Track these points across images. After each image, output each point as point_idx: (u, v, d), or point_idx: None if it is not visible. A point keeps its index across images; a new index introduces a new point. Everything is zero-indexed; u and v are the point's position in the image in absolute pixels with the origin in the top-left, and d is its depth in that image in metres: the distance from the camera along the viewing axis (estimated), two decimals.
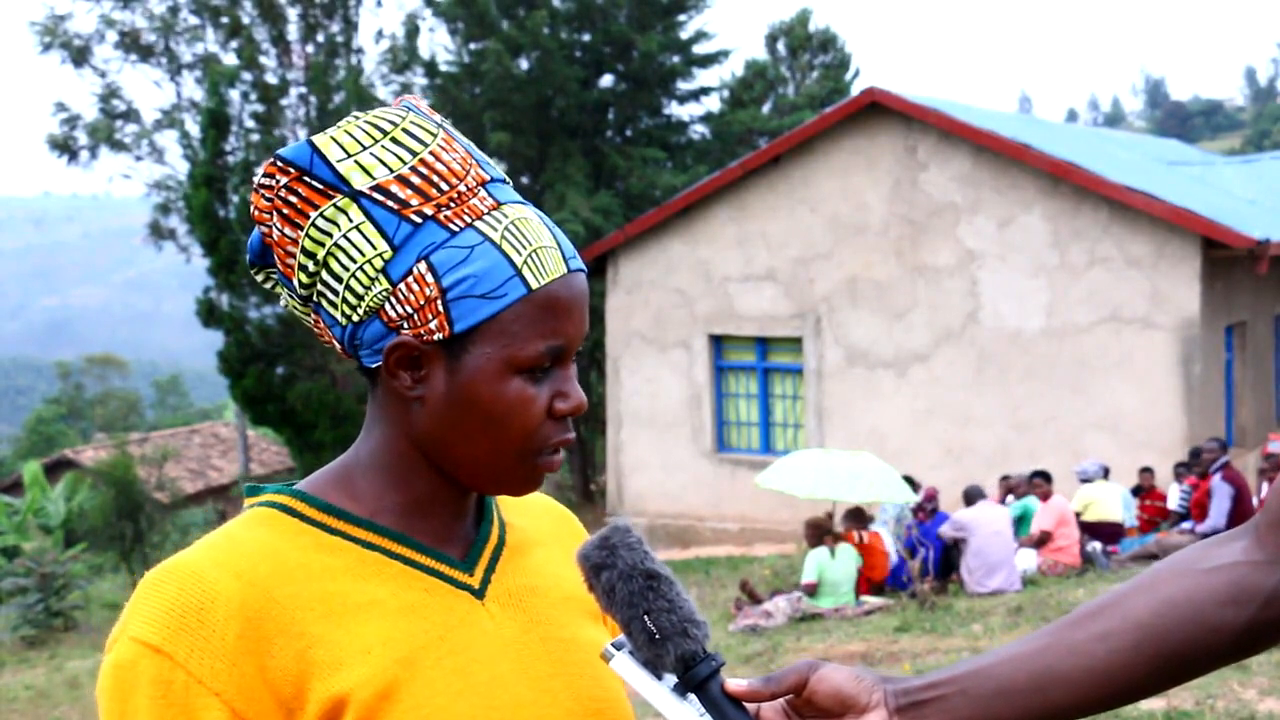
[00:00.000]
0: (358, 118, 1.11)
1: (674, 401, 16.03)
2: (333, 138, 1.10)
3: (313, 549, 1.09)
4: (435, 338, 1.07)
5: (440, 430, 1.10)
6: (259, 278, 1.18)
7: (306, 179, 1.08)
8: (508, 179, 1.15)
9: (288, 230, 1.09)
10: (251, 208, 1.13)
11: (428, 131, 1.10)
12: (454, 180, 1.09)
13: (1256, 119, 75.74)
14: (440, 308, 1.06)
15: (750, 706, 1.07)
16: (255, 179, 1.12)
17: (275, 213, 1.10)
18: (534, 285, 1.07)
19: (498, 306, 1.06)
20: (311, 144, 1.09)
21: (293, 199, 1.09)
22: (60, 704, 9.75)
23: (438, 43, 46.58)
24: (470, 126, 21.87)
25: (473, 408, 1.08)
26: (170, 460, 26.43)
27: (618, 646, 1.07)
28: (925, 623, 8.44)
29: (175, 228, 25.92)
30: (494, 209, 1.09)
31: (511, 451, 1.10)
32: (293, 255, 1.10)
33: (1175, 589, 1.07)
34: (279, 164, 1.09)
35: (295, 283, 1.12)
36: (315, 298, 1.11)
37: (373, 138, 1.09)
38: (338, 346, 1.13)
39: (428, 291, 1.06)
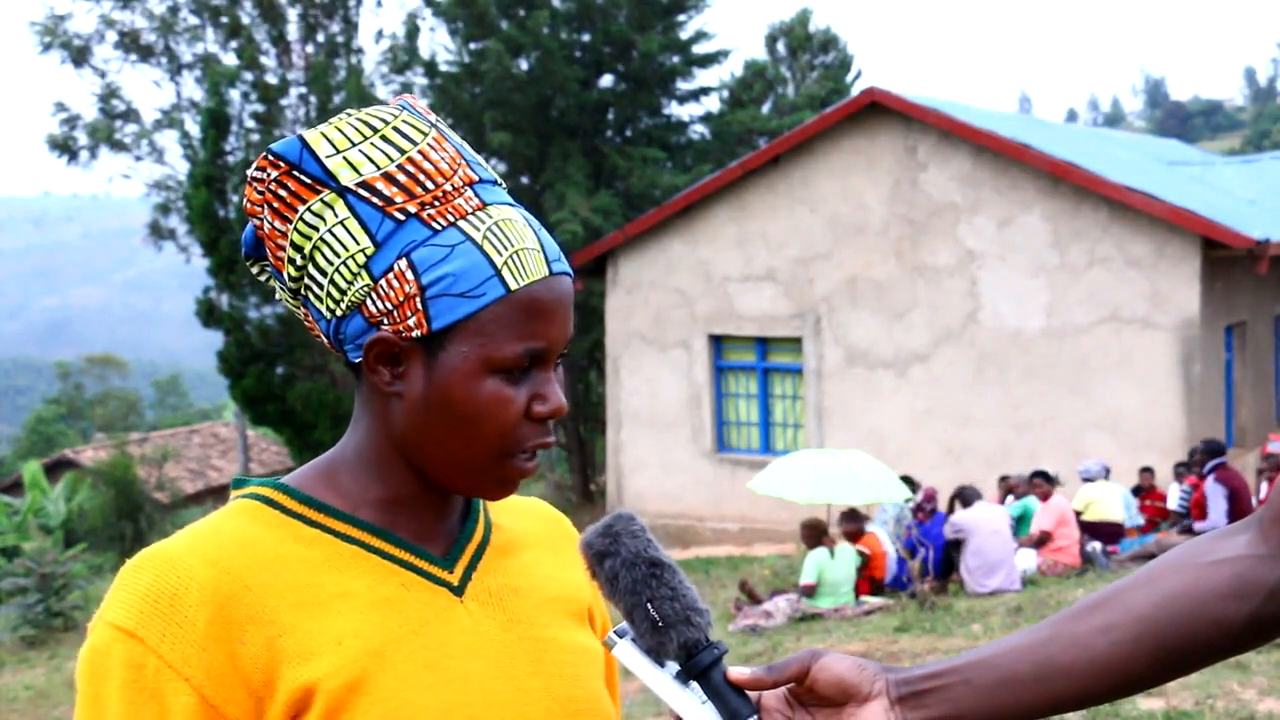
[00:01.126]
0: (350, 114, 1.12)
1: (674, 401, 16.03)
2: (323, 133, 1.10)
3: (291, 540, 1.10)
4: (414, 335, 1.07)
5: (417, 427, 1.10)
6: (254, 270, 1.19)
7: (296, 173, 1.09)
8: (500, 181, 1.15)
9: (277, 223, 1.11)
10: (244, 200, 1.14)
11: (418, 130, 1.11)
12: (439, 179, 1.09)
13: (1256, 119, 75.74)
14: (419, 305, 1.07)
15: (752, 695, 1.07)
16: (248, 172, 1.13)
17: (266, 205, 1.11)
18: (513, 286, 1.07)
19: (475, 306, 1.06)
20: (302, 139, 1.10)
21: (282, 193, 1.10)
22: (60, 704, 9.75)
23: (438, 43, 46.55)
24: (470, 126, 21.88)
25: (448, 406, 1.08)
26: (170, 460, 26.45)
27: (620, 634, 1.07)
28: (925, 623, 8.44)
29: (175, 228, 25.92)
30: (479, 209, 1.09)
31: (486, 452, 1.10)
32: (282, 248, 1.11)
33: (1177, 582, 1.07)
34: (270, 158, 1.10)
35: (285, 275, 1.13)
36: (303, 291, 1.12)
37: (362, 134, 1.10)
38: (324, 339, 1.15)
39: (407, 288, 1.07)
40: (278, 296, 1.19)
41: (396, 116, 1.11)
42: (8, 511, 22.63)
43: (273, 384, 20.80)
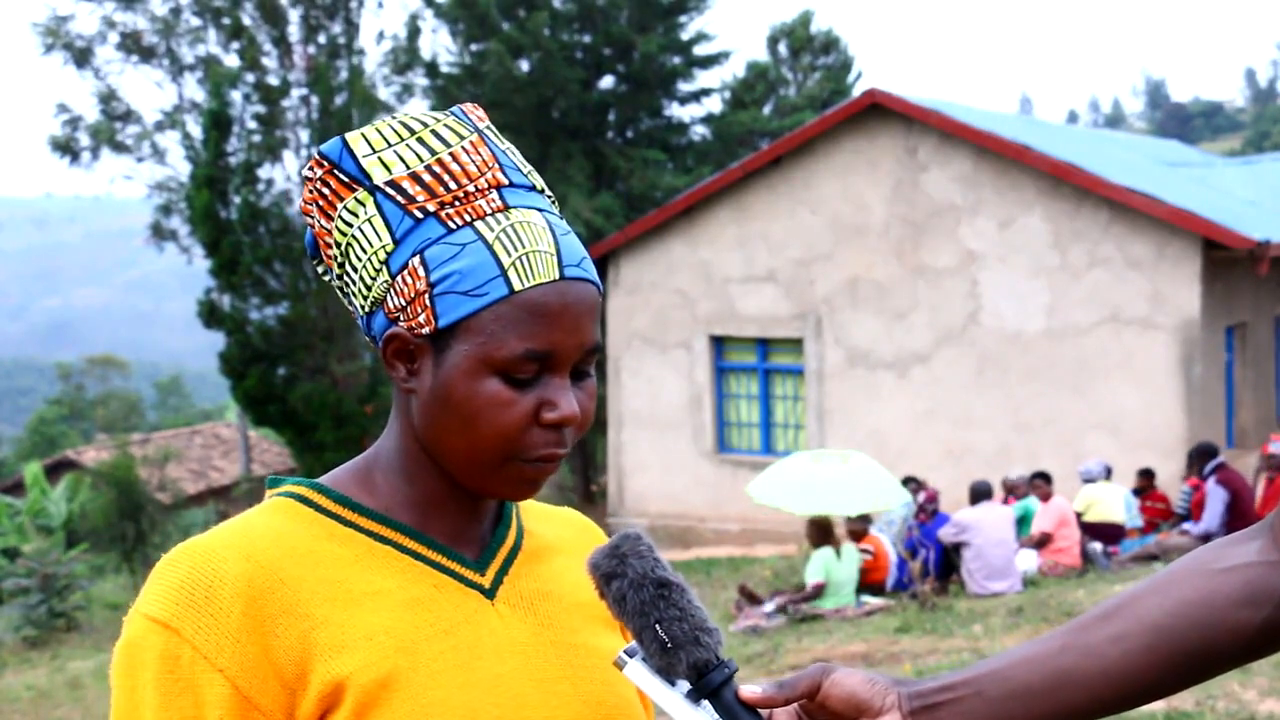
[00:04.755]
0: (395, 117, 1.14)
1: (675, 402, 16.03)
2: (363, 134, 1.13)
3: (324, 538, 1.11)
4: (423, 332, 1.09)
5: (429, 425, 1.11)
6: (319, 269, 1.21)
7: (336, 172, 1.12)
8: (540, 188, 1.15)
9: (323, 221, 1.14)
10: (301, 200, 1.17)
11: (456, 134, 1.12)
12: (464, 180, 1.10)
13: (1256, 120, 75.62)
14: (427, 302, 1.08)
15: (763, 712, 1.07)
16: (303, 172, 1.16)
17: (315, 204, 1.14)
18: (517, 287, 1.07)
19: (478, 304, 1.07)
20: (343, 139, 1.13)
21: (325, 191, 1.13)
22: (62, 704, 9.74)
23: (439, 44, 46.55)
24: None
25: (449, 404, 1.09)
26: (172, 461, 26.41)
27: (630, 654, 1.07)
28: (926, 623, 8.44)
29: (177, 229, 25.93)
30: (499, 211, 1.10)
31: (489, 452, 1.10)
32: (329, 245, 1.14)
33: (1189, 590, 1.07)
34: (317, 157, 1.13)
35: (334, 271, 1.16)
36: (346, 287, 1.15)
37: (400, 136, 1.12)
38: (367, 338, 1.17)
39: (418, 285, 1.08)
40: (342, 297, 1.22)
41: (439, 120, 1.13)
42: (9, 512, 22.63)
43: (274, 385, 20.79)
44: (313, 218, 1.15)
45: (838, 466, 9.96)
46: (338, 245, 1.12)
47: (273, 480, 1.18)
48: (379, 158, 1.10)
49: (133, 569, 19.43)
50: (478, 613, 1.13)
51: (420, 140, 1.11)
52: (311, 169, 1.14)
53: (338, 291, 1.18)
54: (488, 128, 1.15)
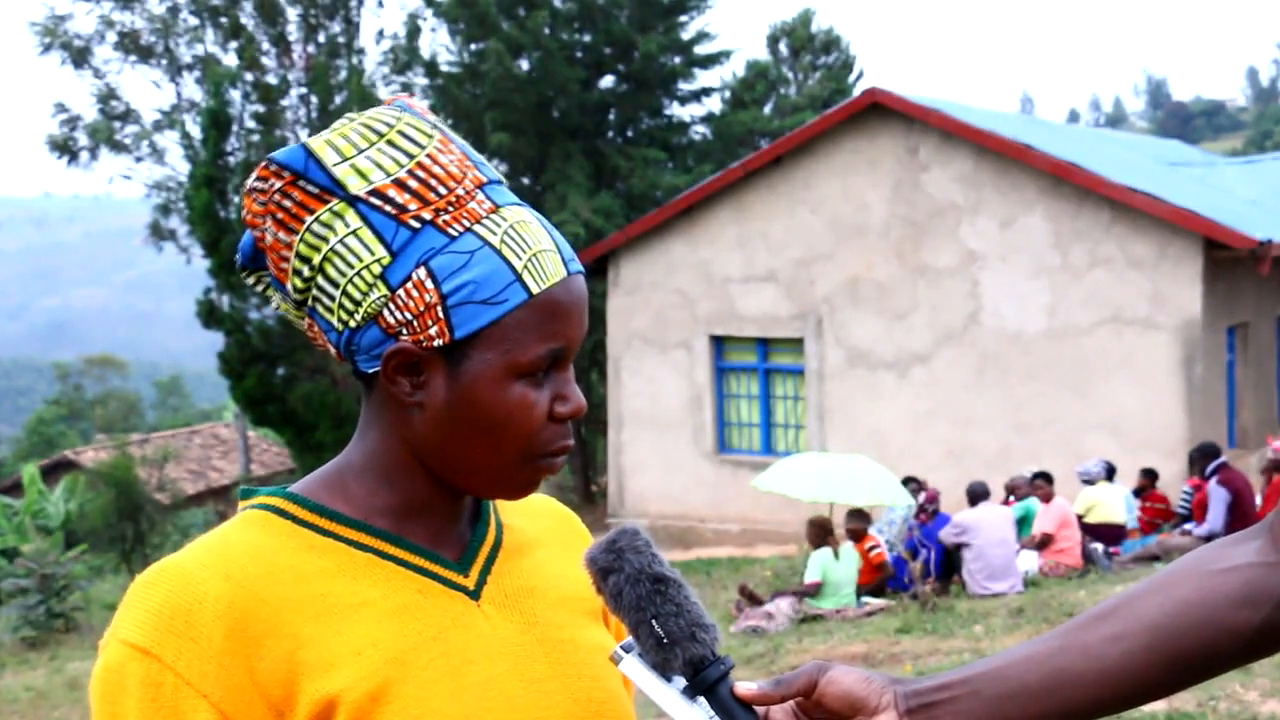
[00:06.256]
0: (352, 119, 1.10)
1: (675, 402, 16.02)
2: (327, 141, 1.08)
3: (304, 550, 1.09)
4: (435, 344, 1.06)
5: (440, 436, 1.09)
6: (250, 280, 1.17)
7: (301, 183, 1.07)
8: (504, 180, 1.14)
9: (282, 234, 1.08)
10: (244, 211, 1.11)
11: (423, 133, 1.09)
12: (451, 184, 1.07)
13: (1258, 119, 75.71)
14: (440, 314, 1.05)
15: (760, 709, 1.06)
16: (248, 182, 1.10)
17: (269, 216, 1.08)
18: (535, 290, 1.06)
19: (499, 312, 1.05)
20: (306, 147, 1.08)
21: (287, 203, 1.07)
22: (60, 705, 9.74)
23: (439, 43, 46.57)
24: (471, 127, 21.89)
25: (474, 413, 1.07)
26: (171, 461, 26.41)
27: (626, 649, 1.07)
28: (927, 624, 8.43)
29: (176, 229, 25.95)
30: (492, 212, 1.08)
31: (513, 456, 1.09)
32: (287, 259, 1.09)
33: (1188, 590, 1.06)
34: (273, 167, 1.08)
35: (289, 286, 1.10)
36: (310, 302, 1.10)
37: (368, 140, 1.08)
38: (332, 350, 1.12)
39: (428, 298, 1.05)
40: (275, 306, 1.17)
41: (400, 119, 1.09)
42: (8, 513, 22.63)
43: (273, 385, 20.79)
44: (263, 229, 1.09)
45: (844, 463, 10.10)
46: (305, 259, 1.07)
47: (245, 491, 1.15)
48: (352, 165, 1.06)
49: (131, 569, 19.41)
50: (464, 615, 1.11)
51: (391, 143, 1.07)
52: (265, 179, 1.08)
53: (285, 304, 1.14)
54: (438, 120, 1.13)
